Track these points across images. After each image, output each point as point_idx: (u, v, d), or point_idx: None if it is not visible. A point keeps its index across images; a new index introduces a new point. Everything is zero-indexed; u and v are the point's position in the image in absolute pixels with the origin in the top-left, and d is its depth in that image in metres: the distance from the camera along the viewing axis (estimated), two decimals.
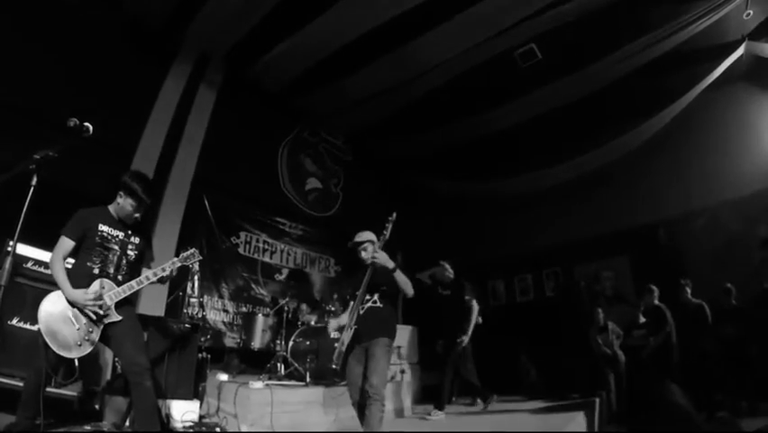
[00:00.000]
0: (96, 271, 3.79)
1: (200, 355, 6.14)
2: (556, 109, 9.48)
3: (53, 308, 3.53)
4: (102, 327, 3.67)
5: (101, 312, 3.64)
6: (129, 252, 4.03)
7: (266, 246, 9.43)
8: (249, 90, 9.35)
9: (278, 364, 6.75)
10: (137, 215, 4.02)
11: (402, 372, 8.58)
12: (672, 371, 7.03)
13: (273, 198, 9.83)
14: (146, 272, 3.99)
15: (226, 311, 8.28)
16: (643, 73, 8.73)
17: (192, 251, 4.19)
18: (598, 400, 7.29)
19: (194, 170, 8.17)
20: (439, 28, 7.66)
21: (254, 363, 7.20)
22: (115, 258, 3.91)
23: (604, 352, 7.82)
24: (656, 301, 7.82)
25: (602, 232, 9.73)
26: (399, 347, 9.02)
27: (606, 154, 9.30)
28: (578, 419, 6.27)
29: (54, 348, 3.43)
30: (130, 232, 4.07)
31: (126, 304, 3.88)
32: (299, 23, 7.73)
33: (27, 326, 4.50)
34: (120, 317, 3.74)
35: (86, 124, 3.10)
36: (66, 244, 3.74)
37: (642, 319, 7.93)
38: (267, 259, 9.32)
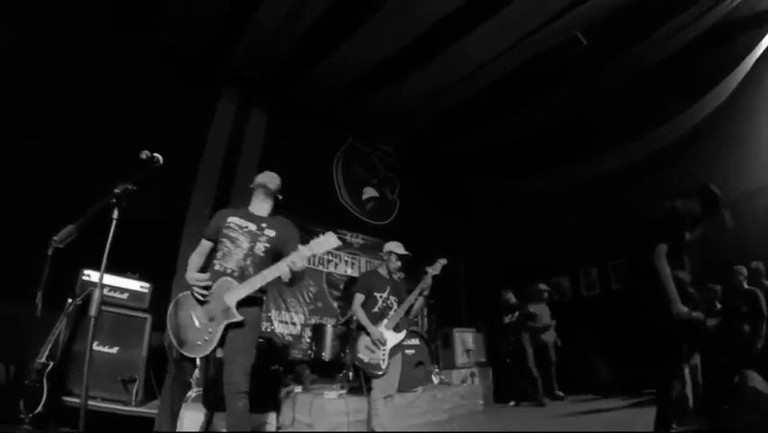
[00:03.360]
0: (217, 266, 3.68)
1: (273, 368, 6.31)
2: (604, 96, 9.25)
3: (177, 310, 3.59)
4: (222, 327, 3.47)
5: (202, 298, 3.54)
6: (258, 244, 3.78)
7: (330, 257, 9.55)
8: (298, 107, 9.51)
9: (350, 374, 6.83)
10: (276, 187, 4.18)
11: (473, 375, 8.58)
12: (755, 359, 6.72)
13: (332, 210, 9.96)
14: (266, 270, 3.63)
15: (293, 324, 8.43)
16: (688, 51, 8.42)
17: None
18: (673, 393, 7.05)
19: None
20: (482, 27, 7.62)
21: (325, 373, 7.32)
22: (240, 251, 3.72)
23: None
24: (746, 284, 7.40)
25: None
26: (469, 350, 9.03)
27: (660, 138, 9.00)
28: (653, 416, 6.09)
29: (177, 347, 3.45)
30: (264, 225, 3.89)
31: (252, 305, 3.66)
32: (341, 36, 7.84)
33: (106, 349, 4.75)
34: (240, 318, 3.49)
35: (156, 155, 3.21)
36: (202, 244, 3.86)
37: (718, 306, 7.62)
38: (331, 270, 9.45)
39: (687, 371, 7.33)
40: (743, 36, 8.23)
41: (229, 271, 3.66)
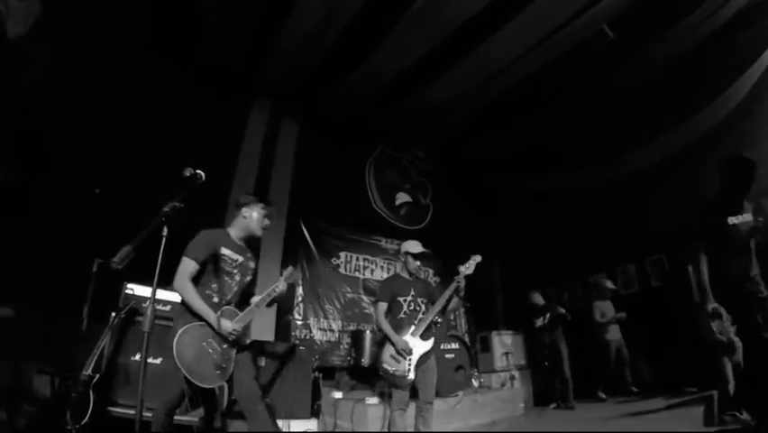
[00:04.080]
0: (216, 299, 3.74)
1: (314, 375, 6.38)
2: (634, 89, 9.07)
3: (188, 341, 3.49)
4: (235, 352, 3.67)
5: (238, 340, 3.69)
6: (247, 277, 4.03)
7: (366, 264, 9.62)
8: (328, 115, 9.59)
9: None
10: (267, 222, 4.15)
11: (512, 378, 8.53)
12: None
13: (366, 216, 10.02)
14: (256, 297, 3.99)
15: (331, 330, 8.49)
16: (713, 40, 8.18)
17: (290, 269, 4.12)
18: (716, 393, 6.89)
19: (288, 198, 8.55)
20: (505, 28, 7.57)
21: (364, 379, 7.34)
22: (234, 284, 3.89)
23: (719, 340, 7.38)
24: None
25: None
26: (508, 353, 8.98)
27: (694, 128, 8.79)
28: (696, 416, 5.98)
29: (195, 381, 3.42)
30: (249, 255, 4.08)
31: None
32: (370, 44, 7.85)
33: (150, 360, 4.86)
34: (250, 340, 3.89)
35: (199, 171, 3.27)
36: (191, 266, 3.64)
37: None
38: (368, 276, 9.49)
39: (729, 368, 7.18)
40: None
41: (230, 302, 3.85)
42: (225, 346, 3.62)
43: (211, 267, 3.78)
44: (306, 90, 8.99)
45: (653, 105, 9.08)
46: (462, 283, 4.92)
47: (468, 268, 5.04)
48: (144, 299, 5.13)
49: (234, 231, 4.05)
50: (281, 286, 3.94)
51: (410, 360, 4.68)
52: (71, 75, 6.22)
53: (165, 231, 3.07)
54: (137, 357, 4.92)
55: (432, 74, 8.54)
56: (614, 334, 8.68)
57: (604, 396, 8.28)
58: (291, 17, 7.15)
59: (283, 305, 7.81)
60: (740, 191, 4.72)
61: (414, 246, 5.20)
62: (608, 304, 8.98)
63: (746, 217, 4.58)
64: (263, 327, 7.27)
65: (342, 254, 9.30)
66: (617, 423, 6.45)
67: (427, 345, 4.78)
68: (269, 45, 7.80)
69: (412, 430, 4.74)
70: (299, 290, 8.32)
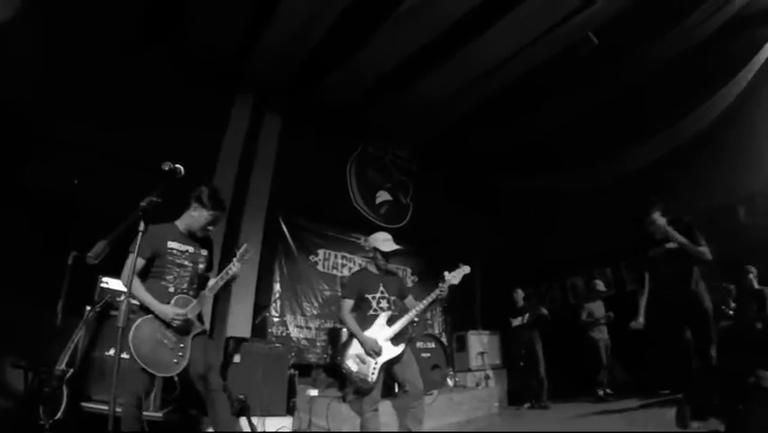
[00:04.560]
0: (172, 289, 3.85)
1: (289, 372, 6.36)
2: (621, 93, 9.21)
3: (142, 334, 3.60)
4: (190, 339, 3.78)
5: (186, 326, 3.77)
6: (200, 265, 4.10)
7: (344, 261, 9.59)
8: (312, 111, 9.53)
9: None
10: (211, 227, 4.13)
11: (487, 377, 8.58)
12: None
13: (346, 214, 10.00)
14: (212, 281, 4.10)
15: (309, 328, 8.48)
16: (707, 44, 8.35)
17: (244, 247, 4.10)
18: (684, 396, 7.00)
19: (268, 193, 8.48)
20: (494, 28, 7.59)
21: (341, 376, 7.33)
22: (188, 274, 3.97)
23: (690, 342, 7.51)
24: (756, 284, 7.37)
25: (680, 215, 9.37)
26: (484, 353, 9.03)
27: (677, 134, 8.92)
28: (669, 416, 6.07)
29: (154, 372, 3.56)
30: (199, 245, 4.13)
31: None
32: (357, 41, 7.85)
33: (123, 355, 4.81)
34: (203, 327, 3.97)
35: (178, 166, 3.26)
36: (138, 262, 3.63)
37: (732, 305, 7.59)
38: (346, 273, 9.41)
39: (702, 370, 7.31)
40: (762, 28, 8.17)
41: (185, 291, 3.93)
42: (178, 334, 3.73)
43: (162, 260, 3.88)
44: (291, 86, 8.94)
45: (636, 111, 9.24)
46: (446, 292, 4.67)
47: (454, 277, 4.75)
48: (120, 292, 5.07)
49: (182, 223, 4.08)
50: (235, 267, 4.01)
51: (377, 362, 4.44)
52: (51, 62, 6.12)
53: (142, 226, 3.04)
54: (111, 352, 4.86)
55: (419, 73, 8.56)
56: (602, 333, 8.80)
57: (602, 393, 8.30)
58: (279, 10, 7.10)
59: (260, 301, 7.78)
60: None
61: (383, 242, 4.85)
62: (598, 304, 9.13)
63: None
64: (240, 324, 7.22)
65: (321, 252, 9.27)
66: (590, 422, 6.53)
67: (397, 350, 4.52)
68: (256, 38, 7.72)
69: (385, 431, 4.61)
70: (277, 287, 8.29)
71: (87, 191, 5.79)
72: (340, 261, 9.52)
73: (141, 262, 3.73)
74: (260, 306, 7.72)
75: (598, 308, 9.04)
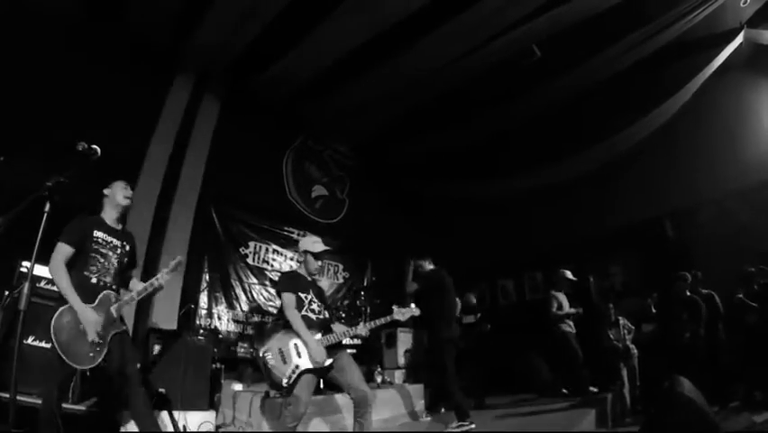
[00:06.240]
0: (94, 280, 3.84)
1: (214, 366, 6.22)
2: (558, 106, 9.52)
3: (65, 322, 3.57)
4: (110, 336, 3.74)
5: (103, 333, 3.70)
6: (123, 258, 4.13)
7: (275, 255, 9.44)
8: (252, 101, 9.36)
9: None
10: (129, 199, 4.18)
11: (410, 375, 8.64)
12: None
13: (280, 207, 9.83)
14: (138, 285, 4.09)
15: (237, 321, 8.29)
16: (644, 65, 8.75)
17: (178, 260, 4.03)
18: (610, 395, 7.26)
19: (200, 182, 8.20)
20: (437, 32, 7.67)
21: None
22: (111, 265, 3.98)
23: (615, 346, 7.79)
24: (688, 292, 7.67)
25: (610, 227, 9.80)
26: (407, 351, 9.08)
27: (610, 149, 9.29)
28: (589, 417, 6.26)
29: (69, 362, 3.50)
30: (123, 237, 4.17)
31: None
32: (301, 32, 7.76)
33: (43, 344, 4.58)
34: (125, 327, 3.99)
35: (94, 146, 3.17)
36: (65, 250, 3.72)
37: (653, 311, 7.93)
38: (276, 267, 9.31)
39: (625, 372, 7.62)
40: (698, 55, 8.60)
41: (108, 285, 3.93)
42: (100, 329, 3.68)
43: (87, 250, 3.86)
44: (232, 72, 8.79)
45: (573, 124, 9.58)
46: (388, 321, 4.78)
47: (403, 315, 4.75)
48: (41, 278, 4.82)
49: (107, 213, 4.14)
50: (161, 279, 3.97)
51: (298, 366, 4.24)
52: None
53: (47, 207, 2.96)
54: (30, 340, 4.63)
55: (361, 70, 8.58)
56: (571, 327, 8.45)
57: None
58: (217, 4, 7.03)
59: (188, 292, 7.55)
60: None
61: (314, 244, 4.87)
62: (562, 296, 8.66)
63: None
64: (165, 316, 6.98)
65: (252, 244, 9.06)
66: (513, 422, 6.67)
67: (329, 361, 4.31)
68: (198, 19, 7.48)
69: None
70: (205, 278, 8.06)
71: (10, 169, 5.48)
72: (271, 255, 9.35)
73: (69, 250, 3.74)
74: (188, 297, 7.48)
75: (563, 299, 8.67)
